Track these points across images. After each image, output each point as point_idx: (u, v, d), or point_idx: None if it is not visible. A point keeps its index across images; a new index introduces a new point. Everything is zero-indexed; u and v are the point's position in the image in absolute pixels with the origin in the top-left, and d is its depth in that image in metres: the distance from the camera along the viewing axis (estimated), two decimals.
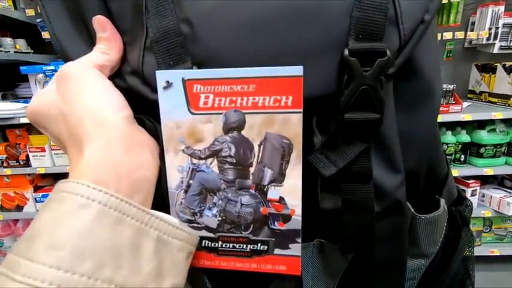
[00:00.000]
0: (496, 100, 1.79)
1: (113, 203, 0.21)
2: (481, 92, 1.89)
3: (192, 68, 0.25)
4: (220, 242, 0.27)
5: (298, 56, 0.24)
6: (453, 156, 1.81)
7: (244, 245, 0.27)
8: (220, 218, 0.27)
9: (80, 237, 0.19)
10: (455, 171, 1.78)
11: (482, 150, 1.75)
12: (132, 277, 0.20)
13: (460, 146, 1.79)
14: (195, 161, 0.27)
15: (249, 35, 0.24)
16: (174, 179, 0.27)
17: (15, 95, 2.16)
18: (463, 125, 1.83)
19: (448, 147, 1.78)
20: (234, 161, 0.26)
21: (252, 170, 0.25)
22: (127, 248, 0.21)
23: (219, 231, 0.27)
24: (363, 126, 0.25)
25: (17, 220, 2.04)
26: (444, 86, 1.77)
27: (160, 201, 0.27)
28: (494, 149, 1.74)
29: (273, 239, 0.26)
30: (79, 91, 0.25)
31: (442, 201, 0.33)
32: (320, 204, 0.29)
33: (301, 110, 0.23)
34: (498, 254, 1.84)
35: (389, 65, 0.25)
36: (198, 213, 0.27)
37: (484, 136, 1.75)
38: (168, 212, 0.28)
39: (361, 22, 0.24)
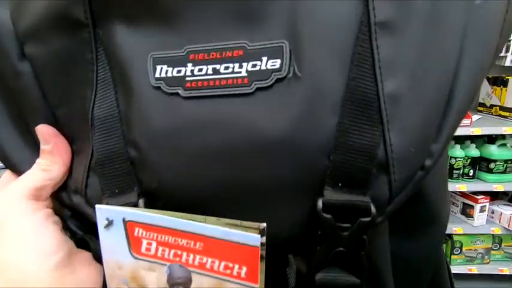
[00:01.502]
0: (507, 114, 1.71)
1: None
2: (492, 105, 1.81)
3: (138, 200, 0.22)
4: None
5: (261, 197, 0.20)
6: (461, 170, 1.74)
7: None
8: None
9: None
10: (464, 186, 1.72)
11: (492, 165, 1.68)
12: None
13: (469, 160, 1.73)
14: None
15: (204, 166, 0.20)
16: None
17: None
18: (473, 138, 1.77)
19: (456, 161, 1.72)
20: None
21: None
22: None
23: None
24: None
25: None
26: None
27: None
28: (505, 165, 1.67)
29: None
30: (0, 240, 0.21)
31: None
32: None
33: (257, 286, 0.19)
34: (508, 273, 1.77)
35: (374, 221, 0.20)
36: None
37: (494, 151, 1.68)
38: None
39: (341, 167, 0.19)
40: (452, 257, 1.88)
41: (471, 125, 1.66)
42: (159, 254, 0.21)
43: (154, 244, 0.21)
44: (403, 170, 0.19)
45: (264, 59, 0.19)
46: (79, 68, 0.22)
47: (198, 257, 0.20)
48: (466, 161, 1.73)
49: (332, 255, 0.20)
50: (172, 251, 0.21)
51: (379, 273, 0.25)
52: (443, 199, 0.27)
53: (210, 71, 0.19)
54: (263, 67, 0.19)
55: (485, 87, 1.84)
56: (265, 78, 0.19)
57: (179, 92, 0.20)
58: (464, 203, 1.83)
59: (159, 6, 0.20)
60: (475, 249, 1.87)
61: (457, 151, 1.73)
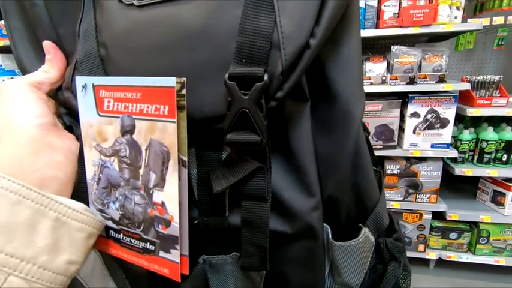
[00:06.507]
0: None
1: (13, 188, 0.24)
2: None
3: None
4: (121, 235, 0.30)
5: (189, 77, 0.25)
6: (493, 155, 1.65)
7: (138, 242, 0.29)
8: (121, 212, 0.29)
9: None
10: (495, 172, 1.63)
11: None
12: (23, 249, 0.24)
13: (503, 144, 1.63)
14: (103, 157, 0.29)
15: (149, 57, 0.27)
16: (89, 171, 0.30)
17: None
18: (508, 120, 1.66)
19: (488, 144, 1.63)
20: (129, 162, 0.27)
21: (141, 172, 0.27)
22: (22, 225, 0.24)
23: (120, 224, 0.29)
24: (246, 146, 0.26)
25: None
26: (488, 76, 1.60)
27: (82, 191, 0.30)
28: None
29: (158, 241, 0.28)
30: (2, 101, 0.29)
31: (364, 231, 0.31)
32: (228, 220, 0.30)
33: (175, 120, 0.24)
34: None
35: (272, 89, 0.25)
36: (106, 205, 0.30)
37: None
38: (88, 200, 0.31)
39: (244, 46, 0.24)
40: (478, 246, 1.80)
41: (507, 106, 1.56)
42: (115, 109, 0.27)
43: (112, 101, 0.27)
44: (290, 47, 0.24)
45: None
46: None
47: (138, 105, 0.26)
48: (500, 144, 1.63)
49: (238, 116, 0.25)
50: (123, 104, 0.26)
51: (300, 156, 0.29)
52: (356, 98, 0.29)
53: None
54: None
55: None
56: None
57: (134, 2, 0.27)
58: (495, 190, 1.74)
59: None
60: (504, 240, 1.78)
61: (489, 134, 1.64)
